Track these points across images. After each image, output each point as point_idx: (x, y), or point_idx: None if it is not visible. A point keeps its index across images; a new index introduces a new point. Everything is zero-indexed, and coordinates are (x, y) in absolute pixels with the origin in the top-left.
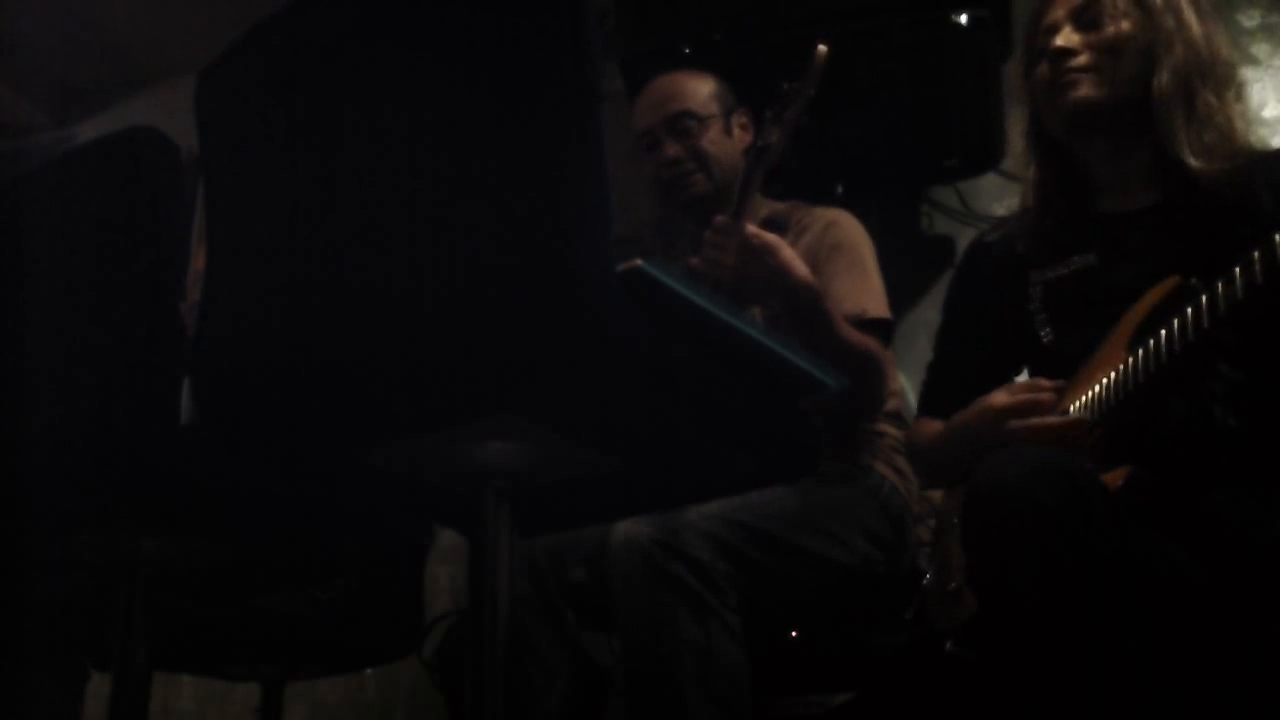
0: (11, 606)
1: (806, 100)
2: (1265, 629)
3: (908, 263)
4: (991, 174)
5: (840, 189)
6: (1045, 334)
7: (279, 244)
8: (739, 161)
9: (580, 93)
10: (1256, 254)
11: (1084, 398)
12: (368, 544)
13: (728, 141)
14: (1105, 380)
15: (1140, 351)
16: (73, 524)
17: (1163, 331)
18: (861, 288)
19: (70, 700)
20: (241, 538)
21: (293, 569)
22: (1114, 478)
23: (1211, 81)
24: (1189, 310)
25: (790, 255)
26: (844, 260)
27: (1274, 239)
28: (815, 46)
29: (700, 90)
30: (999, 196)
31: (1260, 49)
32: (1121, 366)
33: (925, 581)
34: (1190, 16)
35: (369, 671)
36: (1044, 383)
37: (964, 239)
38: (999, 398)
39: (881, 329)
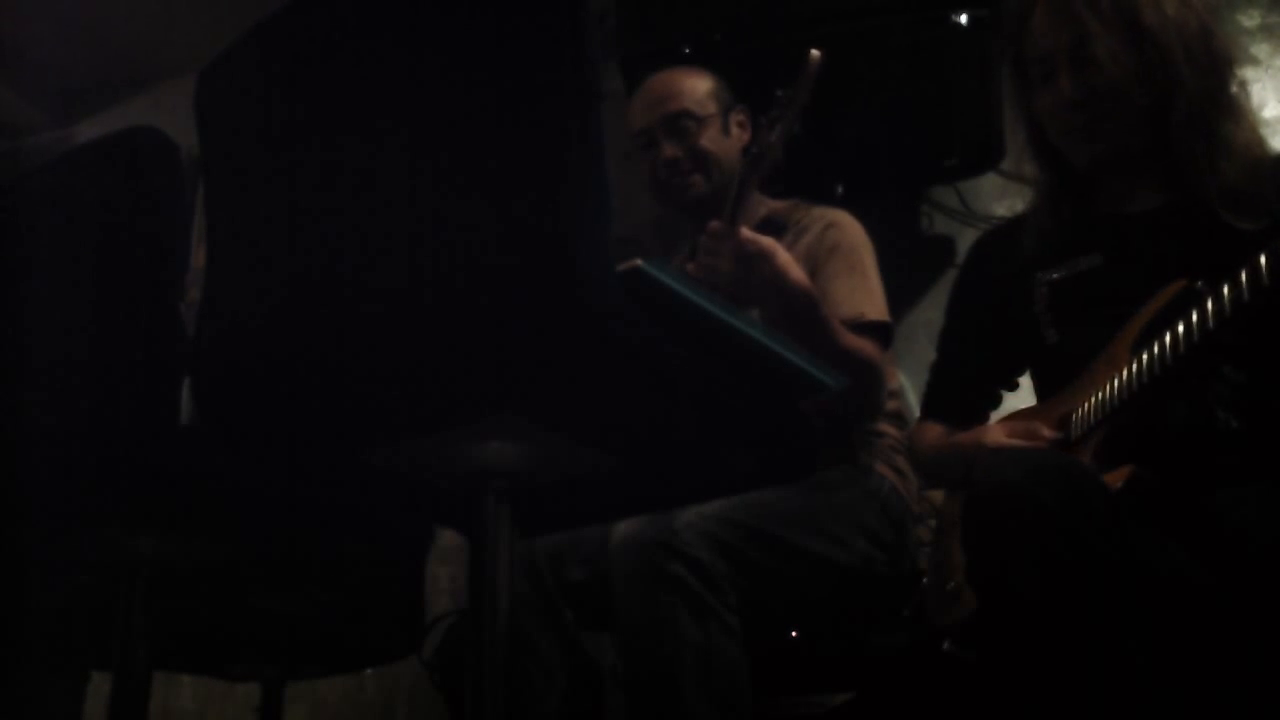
0: (11, 606)
1: (800, 107)
2: (1265, 629)
3: (908, 263)
4: (991, 174)
5: (840, 189)
6: (1050, 335)
7: (279, 244)
8: (737, 160)
9: (580, 93)
10: (1262, 257)
11: (1089, 401)
12: (368, 544)
13: (726, 141)
14: (1110, 382)
15: (1145, 354)
16: (73, 524)
17: (1167, 334)
18: (860, 290)
19: (70, 700)
20: (241, 538)
21: (293, 569)
22: (1115, 478)
23: (1225, 98)
24: (1194, 313)
25: (786, 260)
26: (843, 262)
27: (1279, 242)
28: (808, 52)
29: (698, 89)
30: (999, 196)
31: (1260, 49)
32: (1126, 369)
33: (925, 581)
34: (1191, 25)
35: (369, 671)
36: (1044, 431)
37: (964, 239)
38: (996, 434)
39: (880, 332)
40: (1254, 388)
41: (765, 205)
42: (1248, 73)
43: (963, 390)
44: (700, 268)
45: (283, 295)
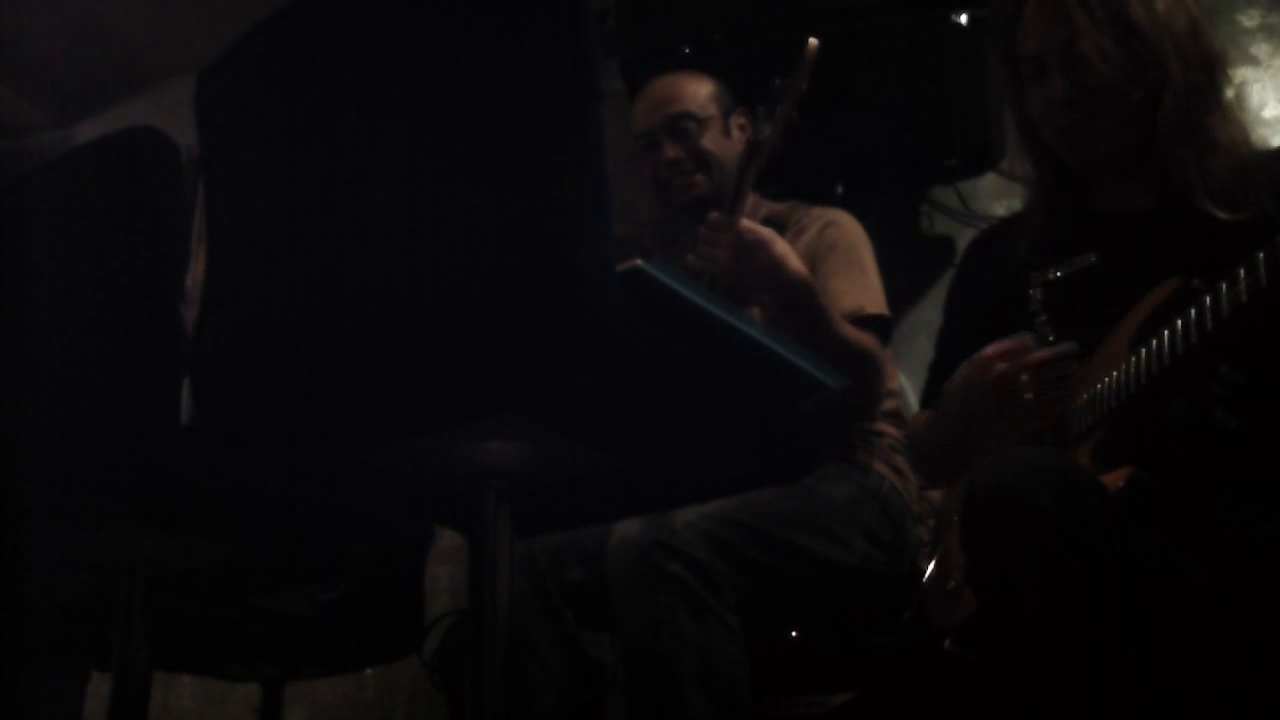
0: (12, 606)
1: (798, 95)
2: (1265, 629)
3: (908, 263)
4: (991, 174)
5: (840, 189)
6: (1047, 334)
7: (279, 244)
8: (738, 161)
9: (579, 93)
10: (1261, 255)
11: (1085, 398)
12: (368, 544)
13: (727, 142)
14: (1107, 381)
15: (1142, 352)
16: (73, 524)
17: (1165, 333)
18: (859, 285)
19: (70, 700)
20: (241, 538)
21: (293, 569)
22: (1114, 478)
23: (1213, 94)
24: (1191, 311)
25: (785, 249)
26: (841, 258)
27: (1278, 241)
28: (805, 41)
29: (699, 91)
30: (999, 196)
31: (1260, 49)
32: (1123, 367)
33: (925, 581)
34: (1180, 22)
35: (369, 671)
36: (1028, 339)
37: (964, 239)
38: (987, 350)
39: (879, 325)
40: (1253, 387)
41: (765, 207)
42: (1247, 73)
43: None
44: (700, 259)
45: (283, 295)
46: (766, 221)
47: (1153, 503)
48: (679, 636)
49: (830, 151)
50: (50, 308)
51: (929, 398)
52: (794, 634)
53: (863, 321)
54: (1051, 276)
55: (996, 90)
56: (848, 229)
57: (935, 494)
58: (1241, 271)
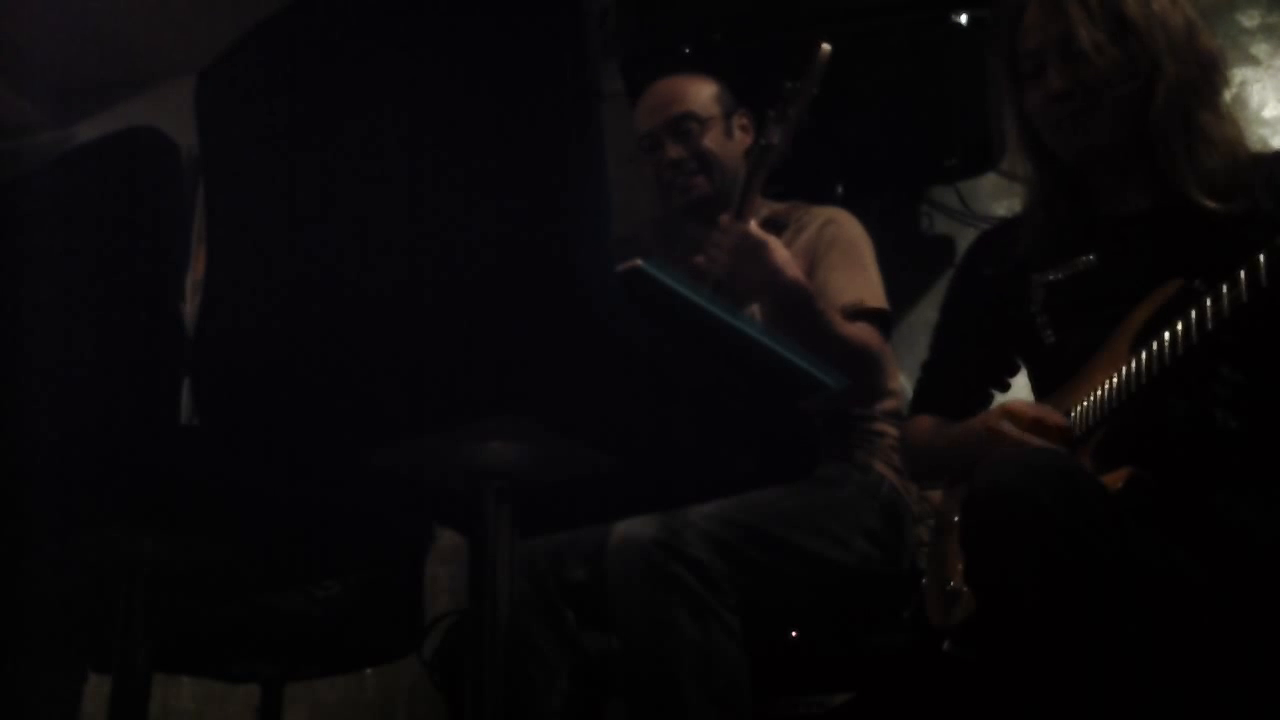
0: (11, 606)
1: (809, 99)
2: (1265, 629)
3: (908, 263)
4: (991, 174)
5: (840, 189)
6: (1047, 335)
7: (279, 244)
8: (740, 163)
9: (580, 93)
10: (1261, 257)
11: (1087, 400)
12: (368, 544)
13: (729, 143)
14: (1108, 382)
15: (1143, 353)
16: (73, 524)
17: (1166, 334)
18: (859, 280)
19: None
20: (242, 538)
21: (293, 569)
22: (1115, 479)
23: (1207, 91)
24: (1192, 312)
25: (785, 257)
26: (841, 254)
27: (1278, 242)
28: (818, 45)
29: (701, 93)
30: (999, 196)
31: (1260, 49)
32: (1125, 368)
33: (924, 581)
34: (1176, 21)
35: (369, 671)
36: (1054, 417)
37: (964, 239)
38: (996, 417)
39: (879, 319)
40: (1253, 388)
41: (766, 207)
42: (1247, 72)
43: (955, 388)
44: (708, 261)
45: (283, 295)
46: (767, 221)
47: (1153, 503)
48: (679, 636)
49: (830, 151)
50: (50, 307)
51: (923, 395)
52: (794, 634)
53: (863, 315)
54: (1053, 277)
55: (996, 90)
56: (848, 226)
57: (935, 494)
58: (1242, 272)
